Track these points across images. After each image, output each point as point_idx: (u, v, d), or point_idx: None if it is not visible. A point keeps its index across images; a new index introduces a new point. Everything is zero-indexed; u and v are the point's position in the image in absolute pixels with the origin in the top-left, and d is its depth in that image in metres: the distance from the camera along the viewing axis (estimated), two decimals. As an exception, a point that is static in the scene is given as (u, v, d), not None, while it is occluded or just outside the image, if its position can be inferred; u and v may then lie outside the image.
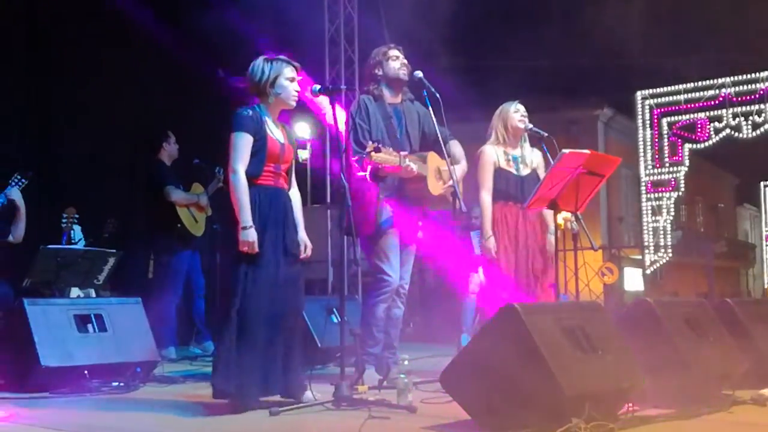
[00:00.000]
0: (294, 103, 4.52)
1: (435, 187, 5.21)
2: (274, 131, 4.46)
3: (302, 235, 4.55)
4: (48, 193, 7.53)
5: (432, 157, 5.25)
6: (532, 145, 5.61)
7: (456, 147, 5.46)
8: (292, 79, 4.47)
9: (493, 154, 5.43)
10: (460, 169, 5.42)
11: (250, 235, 4.20)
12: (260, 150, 4.35)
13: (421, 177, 5.11)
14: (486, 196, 5.39)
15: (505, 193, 5.39)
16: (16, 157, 7.25)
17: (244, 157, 4.30)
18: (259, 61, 4.47)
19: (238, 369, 4.17)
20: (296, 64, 4.53)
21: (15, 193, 5.76)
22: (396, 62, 5.35)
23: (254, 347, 4.20)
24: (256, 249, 4.22)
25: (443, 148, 5.15)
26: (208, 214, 7.56)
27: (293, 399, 4.29)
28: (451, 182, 5.21)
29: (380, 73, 5.37)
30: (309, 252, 4.56)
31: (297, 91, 4.49)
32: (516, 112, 5.49)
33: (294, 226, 4.49)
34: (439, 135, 5.17)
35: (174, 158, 7.57)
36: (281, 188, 4.47)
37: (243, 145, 4.31)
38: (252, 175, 4.33)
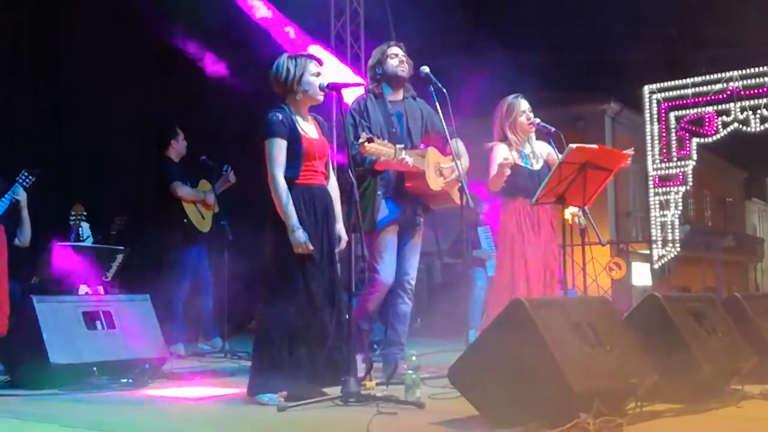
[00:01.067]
0: (321, 98, 4.55)
1: (435, 183, 5.19)
2: (306, 129, 4.50)
3: (339, 227, 4.61)
4: (56, 190, 7.54)
5: (432, 152, 5.23)
6: (538, 139, 5.60)
7: (458, 144, 5.42)
8: (317, 74, 4.50)
9: (505, 150, 5.40)
10: (462, 164, 5.38)
11: (300, 237, 4.27)
12: (297, 152, 4.40)
13: (419, 172, 5.09)
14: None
15: (521, 187, 5.36)
16: (24, 154, 7.26)
17: (280, 162, 4.36)
18: (283, 59, 4.50)
19: (285, 369, 4.22)
20: (319, 58, 4.57)
21: (20, 193, 5.76)
22: (394, 60, 5.34)
23: (301, 345, 4.26)
24: (311, 247, 4.29)
25: (449, 145, 5.14)
26: (216, 211, 7.57)
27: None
28: (452, 177, 5.20)
29: (380, 71, 5.36)
30: (344, 245, 4.60)
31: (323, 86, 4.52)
32: (522, 115, 5.46)
33: (335, 222, 4.56)
34: (446, 132, 5.16)
35: (182, 155, 7.59)
36: (321, 185, 4.52)
37: (277, 150, 4.36)
38: (292, 177, 4.38)
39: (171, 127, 7.63)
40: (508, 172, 5.21)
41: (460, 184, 5.16)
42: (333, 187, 4.66)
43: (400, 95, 5.40)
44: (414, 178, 5.13)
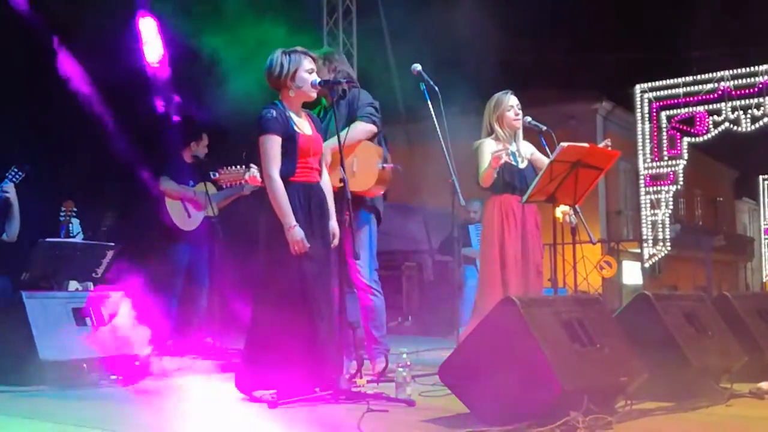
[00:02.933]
0: (314, 95, 4.53)
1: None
2: (301, 125, 4.46)
3: (333, 223, 4.58)
4: (47, 186, 7.51)
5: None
6: (529, 139, 5.61)
7: (356, 127, 5.21)
8: (310, 71, 4.48)
9: (493, 144, 5.42)
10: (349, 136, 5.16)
11: (297, 234, 4.25)
12: (291, 149, 4.37)
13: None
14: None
15: (511, 185, 5.39)
16: (15, 150, 7.22)
17: (276, 160, 4.33)
18: (277, 55, 4.46)
19: (277, 365, 4.19)
20: (313, 54, 4.53)
21: (10, 188, 5.75)
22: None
23: (297, 340, 4.21)
24: (307, 245, 4.26)
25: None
26: (212, 213, 7.44)
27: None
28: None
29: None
30: (336, 241, 4.56)
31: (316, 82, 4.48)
32: (510, 110, 5.47)
33: (328, 218, 4.51)
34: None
35: (197, 158, 7.55)
36: (315, 182, 4.49)
37: (273, 147, 4.33)
38: (287, 174, 4.35)
39: (198, 130, 7.62)
40: (503, 158, 5.20)
41: (353, 172, 5.14)
42: (326, 183, 4.62)
43: (330, 100, 5.31)
44: None
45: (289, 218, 4.27)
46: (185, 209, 7.43)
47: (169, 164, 7.44)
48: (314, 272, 4.32)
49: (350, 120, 5.28)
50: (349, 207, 4.37)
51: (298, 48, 4.52)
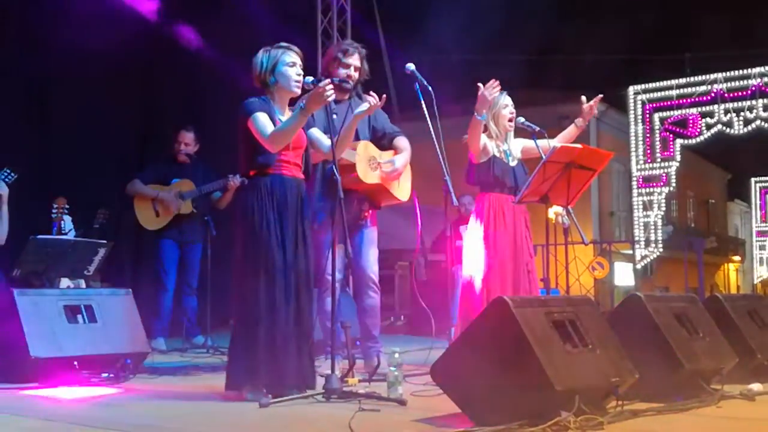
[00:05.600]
0: (297, 89, 4.44)
1: (368, 175, 5.19)
2: (284, 119, 4.40)
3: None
4: (39, 183, 7.49)
5: (364, 146, 5.23)
6: (516, 137, 5.66)
7: (402, 141, 5.44)
8: (292, 64, 4.41)
9: (486, 141, 5.45)
10: (403, 157, 5.38)
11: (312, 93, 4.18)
12: None
13: (349, 165, 5.09)
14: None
15: (501, 181, 5.41)
16: (7, 146, 7.19)
17: (270, 126, 4.26)
18: (260, 53, 4.44)
19: (251, 360, 4.19)
20: (296, 49, 4.47)
21: (2, 188, 5.74)
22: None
23: (266, 338, 4.19)
24: (331, 89, 4.17)
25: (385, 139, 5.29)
26: (182, 211, 7.39)
27: (309, 388, 4.27)
28: (388, 171, 5.24)
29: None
30: None
31: (299, 75, 4.42)
32: (505, 108, 5.51)
33: (305, 217, 4.41)
34: (389, 129, 5.22)
35: (180, 153, 7.53)
36: (295, 177, 4.42)
37: (263, 121, 4.27)
38: (266, 165, 4.29)
39: (174, 126, 7.67)
40: (491, 95, 5.19)
41: (398, 180, 5.19)
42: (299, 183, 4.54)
43: (344, 96, 5.34)
44: (344, 172, 5.10)
45: (296, 111, 4.20)
46: (154, 209, 7.43)
47: (148, 165, 7.49)
48: (277, 271, 4.22)
49: (372, 128, 5.43)
50: (341, 207, 4.34)
51: (282, 43, 4.48)
